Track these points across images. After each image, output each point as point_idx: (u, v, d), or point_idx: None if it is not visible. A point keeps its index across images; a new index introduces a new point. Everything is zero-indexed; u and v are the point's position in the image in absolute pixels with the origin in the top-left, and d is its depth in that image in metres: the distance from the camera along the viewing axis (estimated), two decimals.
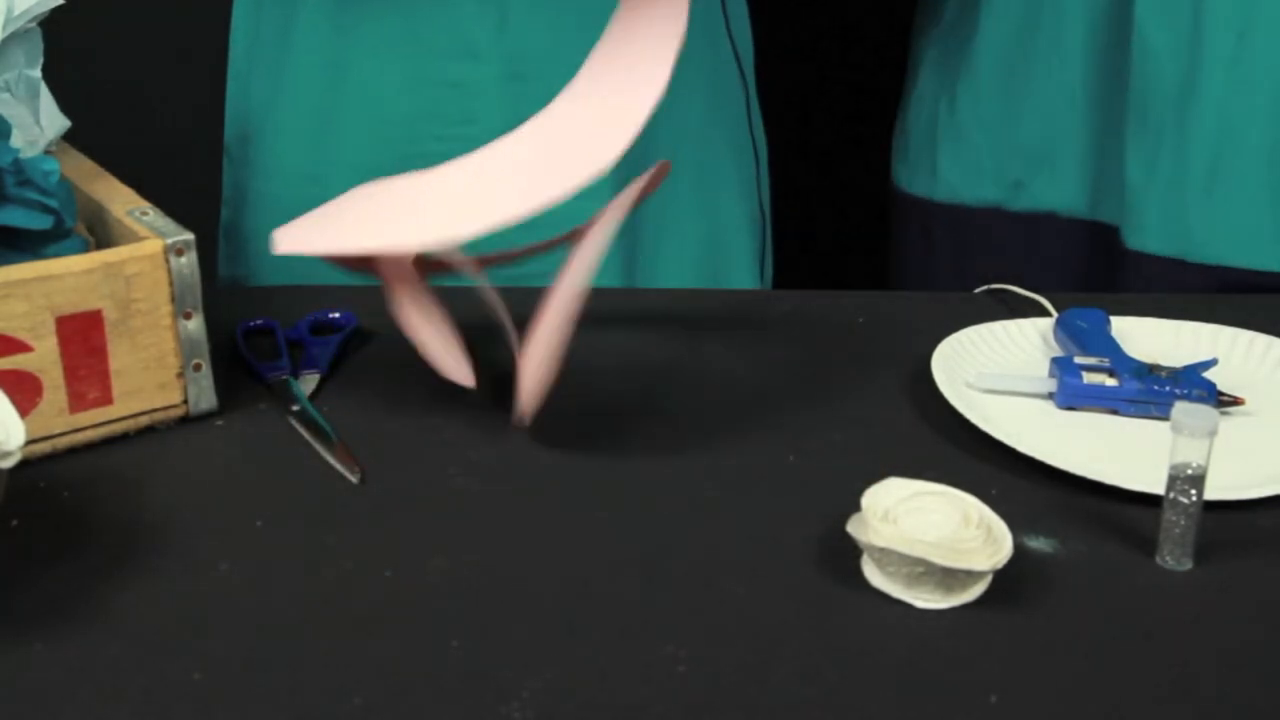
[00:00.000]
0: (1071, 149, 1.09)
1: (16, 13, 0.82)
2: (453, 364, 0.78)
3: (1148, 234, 1.06)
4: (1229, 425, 0.78)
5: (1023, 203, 1.12)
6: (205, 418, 0.80)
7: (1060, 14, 1.08)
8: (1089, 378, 0.82)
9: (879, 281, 1.27)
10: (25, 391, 0.73)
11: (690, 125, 1.10)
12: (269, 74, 1.08)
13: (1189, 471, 0.67)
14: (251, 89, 1.10)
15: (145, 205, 0.80)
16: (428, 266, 0.85)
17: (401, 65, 1.03)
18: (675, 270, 1.12)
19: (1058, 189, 1.10)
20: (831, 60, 1.41)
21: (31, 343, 0.72)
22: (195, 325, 0.77)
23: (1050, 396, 0.83)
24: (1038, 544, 0.70)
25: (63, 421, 0.75)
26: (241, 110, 1.12)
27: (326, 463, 0.76)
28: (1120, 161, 1.06)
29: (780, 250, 1.22)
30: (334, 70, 1.05)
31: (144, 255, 0.75)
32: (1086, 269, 1.04)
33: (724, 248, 1.15)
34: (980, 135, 1.13)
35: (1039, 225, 1.12)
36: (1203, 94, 1.01)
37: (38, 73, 0.86)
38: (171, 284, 0.76)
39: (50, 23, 0.86)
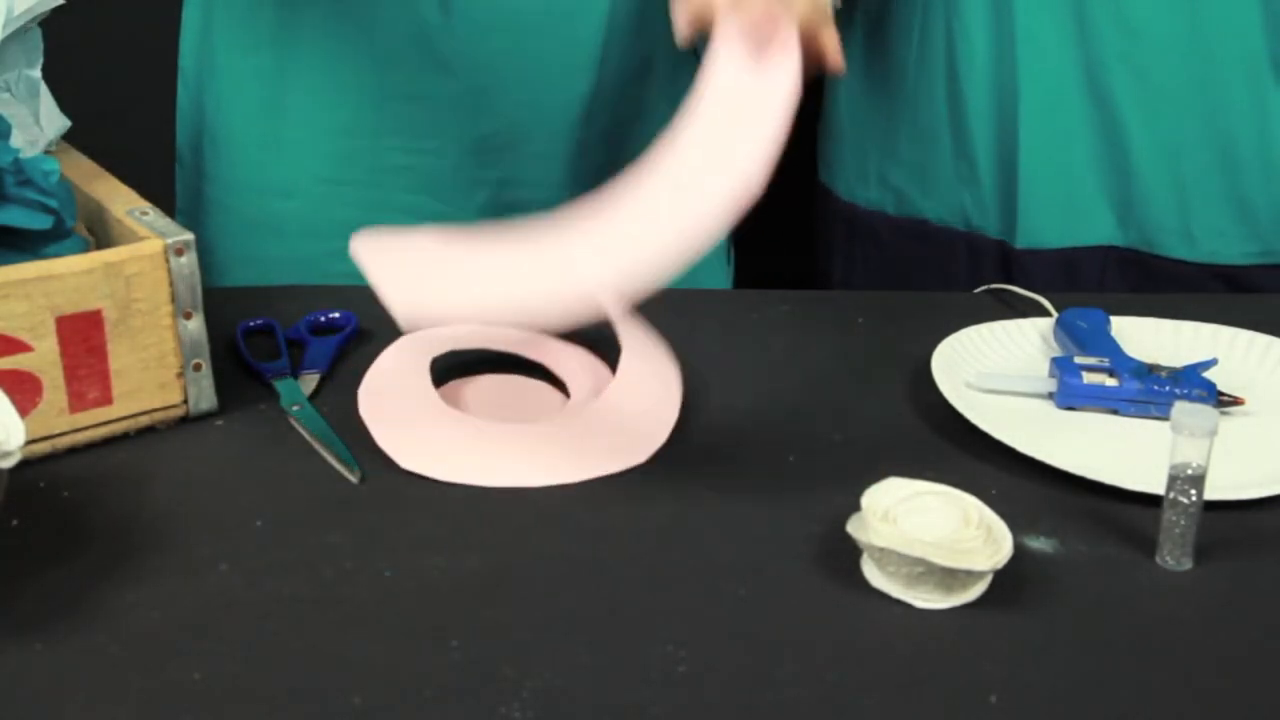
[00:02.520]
0: (942, 163, 1.11)
1: (16, 13, 0.82)
2: None
3: (1040, 232, 1.07)
4: (1229, 425, 0.78)
5: (904, 209, 1.13)
6: (205, 418, 0.79)
7: (926, 34, 1.09)
8: (1089, 378, 0.82)
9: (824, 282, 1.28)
10: (25, 391, 0.73)
11: (664, 129, 1.10)
12: (222, 82, 1.06)
13: (1189, 471, 0.67)
14: (203, 96, 1.08)
15: (145, 205, 0.80)
16: None
17: (364, 78, 1.02)
18: None
19: (932, 200, 1.12)
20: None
21: (31, 343, 0.72)
22: (195, 325, 0.77)
23: (1050, 396, 0.83)
24: (1038, 544, 0.69)
25: (63, 421, 0.75)
26: (193, 117, 1.10)
27: (326, 463, 0.76)
28: (996, 174, 1.08)
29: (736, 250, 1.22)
30: (290, 82, 1.03)
31: (144, 255, 0.75)
32: (973, 275, 1.05)
33: None
34: (870, 140, 1.15)
35: (915, 231, 1.13)
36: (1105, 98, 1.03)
37: (38, 73, 0.86)
38: (171, 284, 0.76)
39: (50, 23, 0.86)
